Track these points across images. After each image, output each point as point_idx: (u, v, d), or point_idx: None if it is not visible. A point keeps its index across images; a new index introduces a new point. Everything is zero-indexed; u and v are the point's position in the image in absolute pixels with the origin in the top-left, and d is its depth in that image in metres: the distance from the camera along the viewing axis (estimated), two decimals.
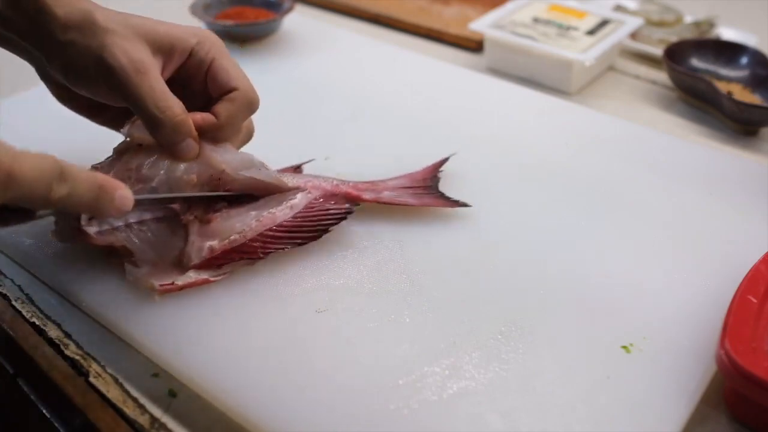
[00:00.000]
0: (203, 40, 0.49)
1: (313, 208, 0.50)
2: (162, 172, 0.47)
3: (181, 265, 0.46)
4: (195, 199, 0.48)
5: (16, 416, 0.54)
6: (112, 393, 0.42)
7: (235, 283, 0.47)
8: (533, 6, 0.81)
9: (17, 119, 0.65)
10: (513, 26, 0.77)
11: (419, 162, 0.60)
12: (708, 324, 0.44)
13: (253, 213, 0.48)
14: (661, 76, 0.77)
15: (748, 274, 0.44)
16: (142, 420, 0.41)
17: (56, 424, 0.47)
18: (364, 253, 0.50)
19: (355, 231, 0.51)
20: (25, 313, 0.47)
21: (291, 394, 0.40)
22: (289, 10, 0.81)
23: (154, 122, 0.45)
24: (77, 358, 0.44)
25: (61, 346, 0.45)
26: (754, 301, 0.41)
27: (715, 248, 0.51)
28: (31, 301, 0.48)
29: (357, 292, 0.47)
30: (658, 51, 0.77)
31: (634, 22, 0.78)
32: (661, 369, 0.42)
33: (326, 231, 0.49)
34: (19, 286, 0.49)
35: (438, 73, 0.75)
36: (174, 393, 0.42)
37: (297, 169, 0.56)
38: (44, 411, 0.48)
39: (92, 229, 0.45)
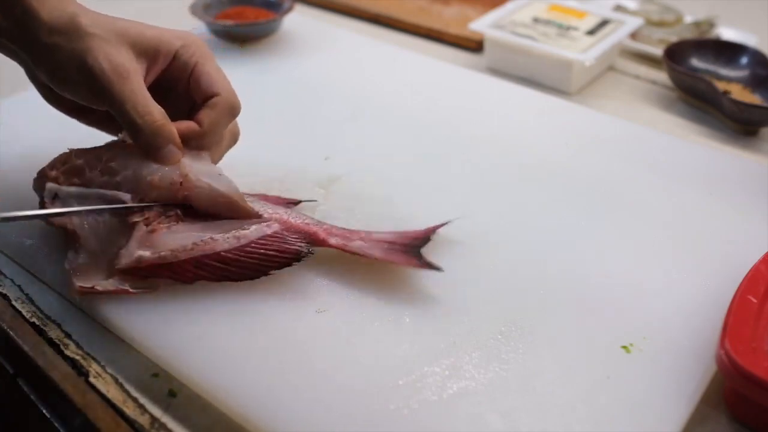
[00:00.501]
0: (188, 44, 0.49)
1: (263, 244, 0.46)
2: (129, 170, 0.47)
3: (112, 268, 0.45)
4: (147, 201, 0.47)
5: (16, 416, 0.54)
6: (112, 393, 0.42)
7: (235, 283, 0.47)
8: (533, 6, 0.81)
9: (17, 119, 0.65)
10: (513, 26, 0.77)
11: (420, 162, 0.60)
12: (708, 324, 0.44)
13: (195, 235, 0.46)
14: (661, 76, 0.77)
15: (748, 274, 0.44)
16: (142, 420, 0.41)
17: (56, 424, 0.47)
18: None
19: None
20: (25, 313, 0.47)
21: (291, 394, 0.40)
22: (289, 10, 0.81)
23: (133, 127, 0.46)
24: (77, 358, 0.44)
25: (61, 346, 0.45)
26: (754, 301, 0.41)
27: (715, 248, 0.51)
28: (31, 301, 0.48)
29: (357, 292, 0.47)
30: (658, 51, 0.77)
31: (634, 22, 0.78)
32: (661, 369, 0.42)
33: (265, 274, 0.46)
34: (19, 286, 0.49)
35: (438, 73, 0.75)
36: (174, 393, 0.42)
37: (288, 204, 0.53)
38: (44, 411, 0.48)
39: (52, 209, 0.46)
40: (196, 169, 0.47)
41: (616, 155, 0.61)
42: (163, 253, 0.45)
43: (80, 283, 0.44)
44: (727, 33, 0.82)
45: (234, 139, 0.53)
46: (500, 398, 0.40)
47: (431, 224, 0.51)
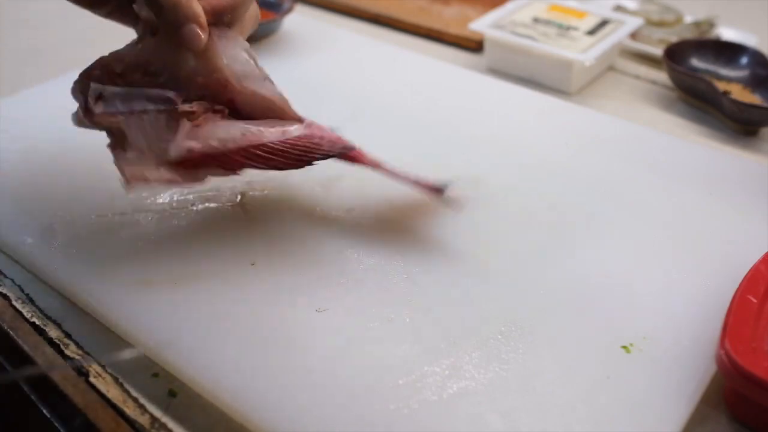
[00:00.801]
0: None
1: (305, 139, 0.48)
2: (170, 71, 0.46)
3: (161, 160, 0.46)
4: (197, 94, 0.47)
5: (16, 416, 0.54)
6: (112, 393, 0.42)
7: (235, 283, 0.47)
8: (533, 6, 0.81)
9: (17, 119, 0.65)
10: (513, 26, 0.77)
11: (419, 162, 0.60)
12: (708, 324, 0.44)
13: (242, 126, 0.47)
14: (661, 76, 0.77)
15: (748, 274, 0.44)
16: (142, 420, 0.41)
17: (56, 424, 0.47)
18: (364, 253, 0.50)
19: (355, 230, 0.51)
20: (25, 313, 0.47)
21: (291, 393, 0.40)
22: (289, 10, 0.81)
23: (154, 4, 0.44)
24: (77, 358, 0.44)
25: (61, 346, 0.45)
26: (754, 301, 0.41)
27: (715, 248, 0.51)
28: (31, 301, 0.48)
29: (357, 291, 0.47)
30: (658, 51, 0.77)
31: (634, 22, 0.78)
32: (661, 369, 0.42)
33: (309, 163, 0.48)
34: (19, 286, 0.49)
35: (438, 73, 0.75)
36: (174, 393, 0.42)
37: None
38: (44, 411, 0.48)
39: (98, 109, 0.45)
40: (235, 69, 0.47)
41: (616, 155, 0.61)
42: (212, 143, 0.46)
43: (131, 173, 0.45)
44: (727, 33, 0.82)
45: (256, 19, 0.51)
46: (500, 398, 0.40)
47: (431, 225, 0.51)
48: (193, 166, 0.46)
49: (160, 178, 0.46)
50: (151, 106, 0.46)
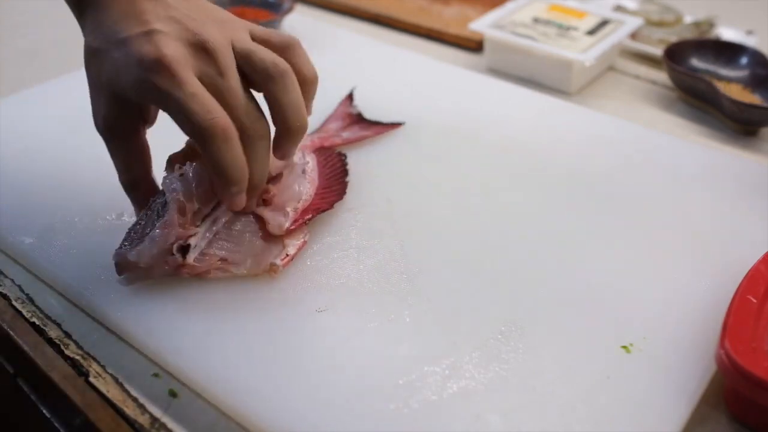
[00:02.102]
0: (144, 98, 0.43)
1: (322, 165, 0.56)
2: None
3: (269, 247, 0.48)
4: None
5: (16, 416, 0.54)
6: (112, 393, 0.42)
7: (235, 284, 0.47)
8: (533, 6, 0.81)
9: (17, 119, 0.65)
10: (513, 26, 0.77)
11: (419, 162, 0.60)
12: (708, 324, 0.44)
13: (293, 179, 0.52)
14: (661, 76, 0.77)
15: (748, 274, 0.44)
16: (142, 420, 0.41)
17: (56, 424, 0.47)
18: (364, 253, 0.50)
19: (355, 230, 0.51)
20: (25, 313, 0.47)
21: (291, 393, 0.40)
22: (289, 10, 0.81)
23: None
24: (77, 358, 0.44)
25: (61, 346, 0.45)
26: (754, 301, 0.41)
27: (715, 248, 0.51)
28: (31, 301, 0.48)
29: (357, 292, 0.47)
30: (658, 51, 0.77)
31: (634, 22, 0.78)
32: (661, 369, 0.42)
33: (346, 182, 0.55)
34: (19, 286, 0.49)
35: (438, 73, 0.75)
36: (174, 393, 0.42)
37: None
38: (44, 411, 0.48)
39: (191, 257, 0.45)
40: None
41: (616, 155, 0.61)
42: (299, 204, 0.51)
43: (272, 261, 0.47)
44: (727, 33, 0.82)
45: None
46: (500, 398, 0.40)
47: (431, 224, 0.51)
48: (299, 227, 0.49)
49: (297, 246, 0.49)
50: (220, 224, 0.47)
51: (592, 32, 0.76)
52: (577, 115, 0.67)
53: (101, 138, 0.46)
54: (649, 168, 0.59)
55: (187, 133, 0.42)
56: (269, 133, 0.45)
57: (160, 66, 0.40)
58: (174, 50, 0.41)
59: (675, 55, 0.73)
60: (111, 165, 0.47)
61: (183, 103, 0.40)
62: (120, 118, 0.45)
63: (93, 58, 0.44)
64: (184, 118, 0.41)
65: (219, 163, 0.42)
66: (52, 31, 0.86)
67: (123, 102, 0.44)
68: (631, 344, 0.43)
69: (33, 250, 0.50)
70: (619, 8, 0.87)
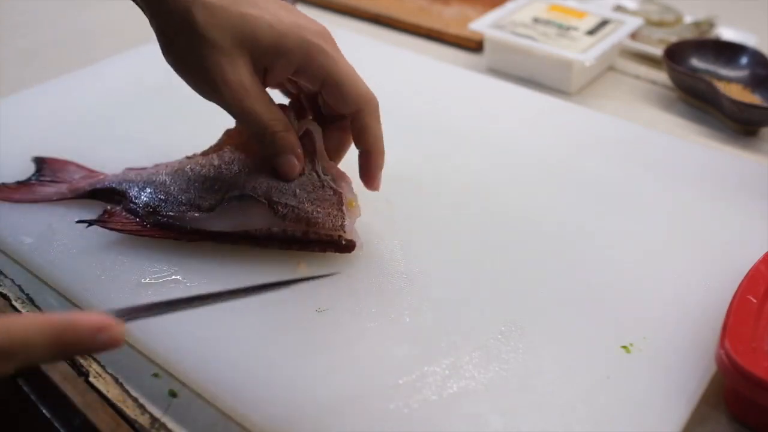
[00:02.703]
0: (312, 55, 0.46)
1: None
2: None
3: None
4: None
5: (16, 417, 0.54)
6: (112, 393, 0.42)
7: (235, 284, 0.47)
8: (533, 6, 0.81)
9: (17, 119, 0.65)
10: (513, 26, 0.77)
11: (419, 162, 0.60)
12: (708, 324, 0.44)
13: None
14: (661, 76, 0.77)
15: (748, 274, 0.44)
16: (142, 420, 0.41)
17: (56, 424, 0.47)
18: (364, 253, 0.50)
19: (355, 231, 0.51)
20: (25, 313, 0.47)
21: (291, 393, 0.40)
22: None
23: (257, 137, 0.47)
24: (77, 357, 0.44)
25: None
26: (754, 301, 0.41)
27: (715, 248, 0.51)
28: (31, 301, 0.48)
29: (357, 292, 0.47)
30: (658, 51, 0.77)
31: (633, 22, 0.78)
32: (661, 369, 0.42)
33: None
34: (19, 286, 0.49)
35: (438, 73, 0.75)
36: (174, 393, 0.42)
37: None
38: (44, 411, 0.48)
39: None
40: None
41: (616, 155, 0.61)
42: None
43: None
44: (727, 33, 0.82)
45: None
46: (500, 398, 0.40)
47: (431, 225, 0.51)
48: None
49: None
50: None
51: (592, 32, 0.76)
52: (577, 115, 0.67)
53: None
54: (648, 168, 0.59)
55: (349, 103, 0.47)
56: None
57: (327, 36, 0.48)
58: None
59: (675, 55, 0.73)
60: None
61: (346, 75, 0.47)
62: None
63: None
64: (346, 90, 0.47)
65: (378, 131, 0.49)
66: (52, 31, 0.86)
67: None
68: (631, 344, 0.43)
69: (33, 250, 0.50)
70: (619, 8, 0.87)
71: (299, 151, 0.48)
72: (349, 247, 0.48)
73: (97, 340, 0.32)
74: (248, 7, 0.44)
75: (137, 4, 0.46)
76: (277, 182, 0.48)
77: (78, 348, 0.32)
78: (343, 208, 0.48)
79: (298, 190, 0.48)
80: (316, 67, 0.46)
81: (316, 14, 0.94)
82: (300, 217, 0.47)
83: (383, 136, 0.49)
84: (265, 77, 0.47)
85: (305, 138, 0.49)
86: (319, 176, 0.49)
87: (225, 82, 0.44)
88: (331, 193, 0.48)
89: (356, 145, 0.49)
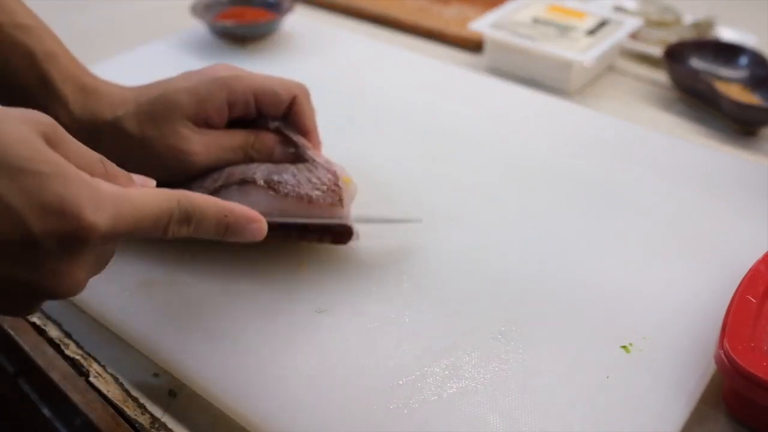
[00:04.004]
0: (228, 86, 0.49)
1: None
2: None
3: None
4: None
5: (17, 416, 0.54)
6: (113, 393, 0.42)
7: (235, 284, 0.47)
8: (533, 6, 0.81)
9: None
10: (513, 26, 0.77)
11: (419, 162, 0.60)
12: (708, 324, 0.44)
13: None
14: (661, 76, 0.77)
15: (747, 274, 0.44)
16: (142, 420, 0.41)
17: (56, 424, 0.47)
18: (364, 253, 0.50)
19: (355, 231, 0.51)
20: None
21: (291, 393, 0.40)
22: (289, 10, 0.81)
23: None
24: (77, 358, 0.44)
25: (62, 346, 0.45)
26: (754, 301, 0.41)
27: (715, 248, 0.51)
28: None
29: (357, 292, 0.47)
30: (658, 51, 0.77)
31: (633, 23, 0.78)
32: (660, 369, 0.42)
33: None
34: None
35: (438, 73, 0.75)
36: (174, 393, 0.42)
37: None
38: (44, 411, 0.48)
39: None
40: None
41: (616, 155, 0.61)
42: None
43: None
44: (727, 33, 0.82)
45: None
46: (500, 398, 0.40)
47: (431, 224, 0.51)
48: None
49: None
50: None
51: (591, 32, 0.76)
52: (577, 115, 0.67)
53: None
54: (648, 168, 0.59)
55: (283, 96, 0.51)
56: None
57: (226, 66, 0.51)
58: None
59: (675, 55, 0.73)
60: None
61: None
62: None
63: None
64: None
65: None
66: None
67: None
68: (631, 344, 0.43)
69: None
70: (618, 8, 0.87)
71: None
72: (345, 234, 0.47)
73: (247, 227, 0.40)
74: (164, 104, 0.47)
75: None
76: (276, 167, 0.49)
77: (234, 230, 0.39)
78: (340, 183, 0.48)
79: (296, 171, 0.48)
80: (240, 91, 0.49)
81: (316, 14, 0.94)
82: (301, 195, 0.47)
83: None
84: (209, 126, 0.49)
85: (284, 135, 0.51)
86: (310, 161, 0.49)
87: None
88: (325, 171, 0.48)
89: (298, 130, 0.52)
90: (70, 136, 0.34)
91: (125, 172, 0.37)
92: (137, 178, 0.38)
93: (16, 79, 0.46)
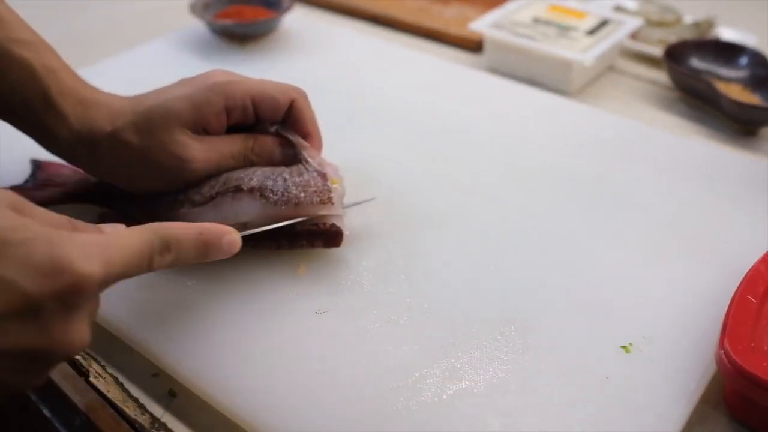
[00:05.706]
0: (225, 92, 0.49)
1: None
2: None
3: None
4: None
5: (17, 416, 0.54)
6: (113, 393, 0.42)
7: (235, 285, 0.47)
8: (533, 6, 0.81)
9: None
10: (513, 26, 0.77)
11: (419, 162, 0.60)
12: (708, 324, 0.44)
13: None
14: (661, 76, 0.77)
15: (747, 274, 0.44)
16: (142, 420, 0.41)
17: (56, 424, 0.47)
18: (364, 253, 0.50)
19: (355, 231, 0.51)
20: None
21: (291, 394, 0.40)
22: (288, 9, 0.81)
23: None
24: (77, 358, 0.44)
25: None
26: (754, 301, 0.41)
27: (715, 248, 0.51)
28: None
29: (357, 292, 0.47)
30: (658, 51, 0.77)
31: (633, 23, 0.78)
32: (661, 369, 0.42)
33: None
34: None
35: (438, 73, 0.75)
36: (174, 393, 0.42)
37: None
38: (44, 411, 0.48)
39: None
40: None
41: (616, 155, 0.61)
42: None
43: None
44: (727, 33, 0.82)
45: None
46: (500, 398, 0.40)
47: (431, 225, 0.51)
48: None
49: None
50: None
51: (592, 32, 0.76)
52: (578, 114, 0.67)
53: None
54: (649, 167, 0.59)
55: (281, 100, 0.51)
56: None
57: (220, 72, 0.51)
58: None
59: (675, 55, 0.73)
60: None
61: None
62: None
63: None
64: None
65: None
66: (52, 31, 0.86)
67: None
68: (631, 344, 0.43)
69: None
70: (619, 8, 0.87)
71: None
72: (336, 237, 0.47)
73: (223, 241, 0.40)
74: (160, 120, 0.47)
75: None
76: (272, 171, 0.49)
77: (212, 245, 0.40)
78: (328, 183, 0.48)
79: (287, 176, 0.48)
80: (238, 96, 0.49)
81: (316, 14, 0.94)
82: (289, 199, 0.47)
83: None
84: (208, 133, 0.49)
85: (282, 136, 0.52)
86: (303, 163, 0.50)
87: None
88: (316, 174, 0.49)
89: (300, 134, 0.52)
90: (31, 203, 0.35)
91: (93, 225, 0.37)
92: (105, 227, 0.38)
93: (16, 94, 0.46)
